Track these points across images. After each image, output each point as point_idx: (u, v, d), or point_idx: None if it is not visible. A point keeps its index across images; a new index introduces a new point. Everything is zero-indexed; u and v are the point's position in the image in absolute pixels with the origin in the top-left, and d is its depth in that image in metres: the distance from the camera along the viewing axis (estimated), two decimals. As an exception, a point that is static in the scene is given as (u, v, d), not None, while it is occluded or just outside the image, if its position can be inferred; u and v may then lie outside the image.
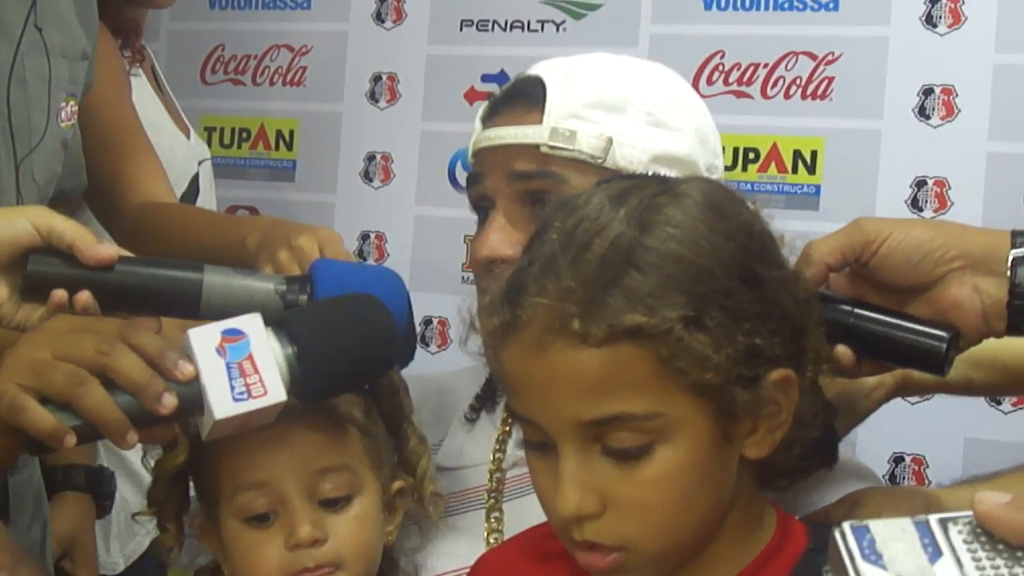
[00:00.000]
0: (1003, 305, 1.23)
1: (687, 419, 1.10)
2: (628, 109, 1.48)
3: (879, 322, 1.27)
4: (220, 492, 1.34)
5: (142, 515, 1.42)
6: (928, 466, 2.62)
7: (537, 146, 1.46)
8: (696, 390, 1.09)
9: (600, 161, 1.45)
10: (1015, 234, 1.25)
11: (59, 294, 1.26)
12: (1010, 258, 1.23)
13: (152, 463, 1.39)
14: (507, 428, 1.55)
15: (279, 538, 1.31)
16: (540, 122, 1.47)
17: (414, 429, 1.43)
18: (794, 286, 1.17)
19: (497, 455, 1.54)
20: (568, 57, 1.54)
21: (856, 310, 1.27)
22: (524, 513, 1.45)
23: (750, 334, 1.10)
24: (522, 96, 1.51)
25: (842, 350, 1.25)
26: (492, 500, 1.52)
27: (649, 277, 1.08)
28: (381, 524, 1.37)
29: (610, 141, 1.45)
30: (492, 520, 1.50)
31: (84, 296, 1.25)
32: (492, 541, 1.48)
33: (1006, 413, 2.57)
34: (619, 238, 1.10)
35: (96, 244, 1.29)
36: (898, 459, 2.63)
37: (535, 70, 1.53)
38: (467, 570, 1.39)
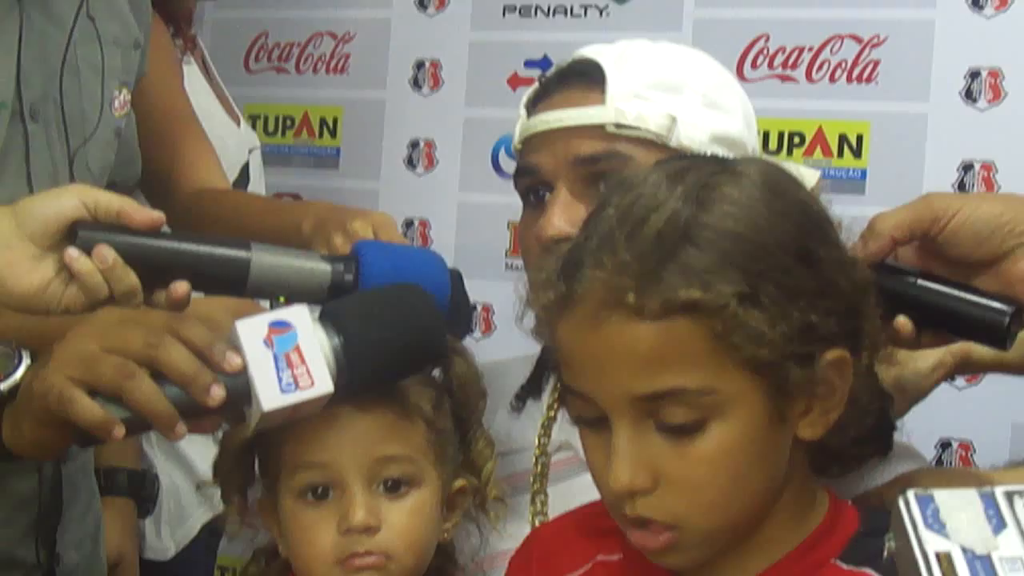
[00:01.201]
0: None
1: (741, 396, 1.10)
2: (684, 91, 1.48)
3: (943, 294, 1.26)
4: (281, 469, 1.34)
5: (206, 485, 1.43)
6: (975, 451, 2.61)
7: (602, 127, 1.45)
8: (750, 366, 1.09)
9: (665, 140, 1.45)
10: None
11: (101, 250, 1.24)
12: None
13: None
14: (552, 413, 1.55)
15: (334, 520, 1.31)
16: (603, 102, 1.46)
17: (484, 431, 1.42)
18: (851, 268, 1.16)
19: (542, 440, 1.54)
20: (612, 44, 1.54)
21: (919, 281, 1.26)
22: (568, 496, 1.45)
23: (805, 311, 1.10)
24: (578, 78, 1.50)
25: (902, 321, 1.24)
26: (537, 484, 1.52)
27: (705, 253, 1.09)
28: (437, 520, 1.37)
29: (674, 120, 1.45)
30: (537, 503, 1.51)
31: (101, 250, 1.24)
32: (536, 523, 1.49)
33: (1055, 398, 2.56)
34: (676, 214, 1.10)
35: (144, 208, 1.29)
36: (945, 444, 2.61)
37: (584, 54, 1.53)
38: (512, 551, 1.40)
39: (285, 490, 1.34)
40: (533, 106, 1.54)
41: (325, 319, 1.25)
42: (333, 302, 1.31)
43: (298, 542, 1.34)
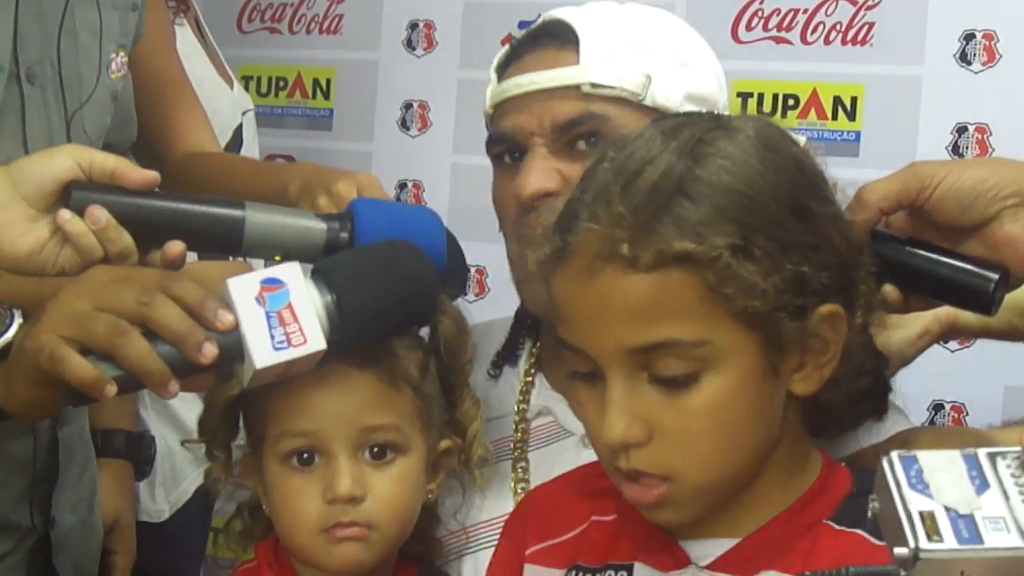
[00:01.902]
0: None
1: (735, 348, 1.10)
2: (657, 50, 1.47)
3: (930, 259, 1.27)
4: (267, 431, 1.33)
5: (191, 443, 1.42)
6: (968, 414, 2.62)
7: (577, 87, 1.43)
8: (744, 318, 1.09)
9: (640, 98, 1.44)
10: None
11: (94, 211, 1.24)
12: None
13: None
14: (530, 379, 1.55)
15: (319, 488, 1.30)
16: (577, 63, 1.44)
17: (470, 391, 1.41)
18: (844, 224, 1.17)
19: (521, 406, 1.54)
20: (577, 7, 1.52)
21: (907, 248, 1.27)
22: (549, 461, 1.46)
23: (798, 263, 1.11)
24: (550, 39, 1.48)
25: (888, 289, 1.25)
26: (518, 451, 1.52)
27: (699, 206, 1.09)
28: (422, 486, 1.36)
29: (649, 78, 1.44)
30: (519, 470, 1.50)
31: (94, 211, 1.24)
32: (519, 491, 1.48)
33: (1047, 361, 2.56)
34: (670, 167, 1.11)
35: (137, 168, 1.28)
36: (938, 407, 2.62)
37: (554, 15, 1.51)
38: (495, 519, 1.41)
39: (270, 453, 1.33)
40: (503, 69, 1.51)
41: (317, 276, 1.24)
42: (325, 259, 1.31)
43: (282, 508, 1.33)
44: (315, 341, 1.21)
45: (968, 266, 1.26)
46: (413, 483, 1.34)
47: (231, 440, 1.39)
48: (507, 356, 1.58)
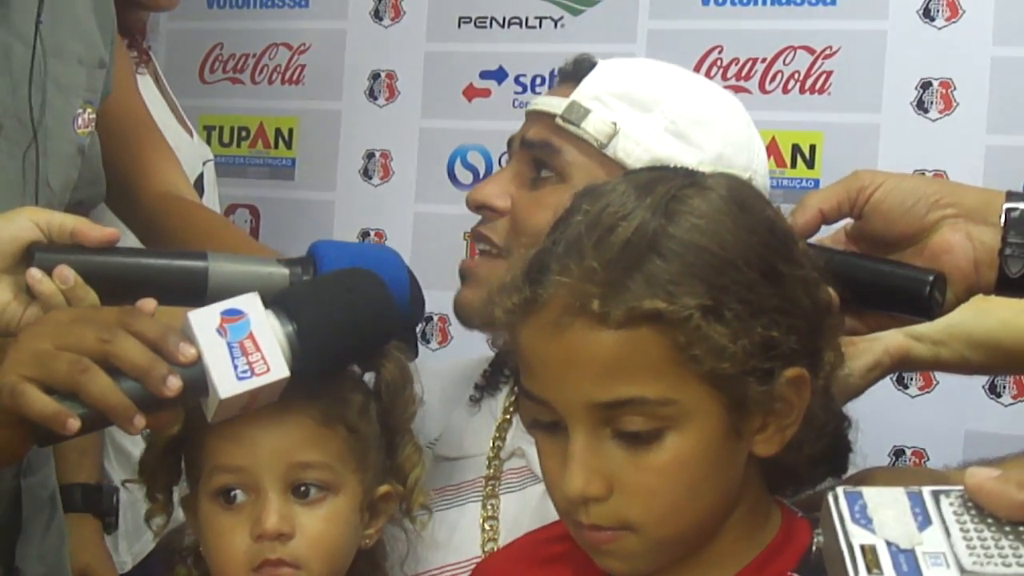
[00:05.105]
0: (995, 253, 1.25)
1: (699, 408, 1.11)
2: (654, 111, 1.50)
3: (864, 266, 1.28)
4: (201, 470, 1.34)
5: (131, 483, 1.42)
6: (929, 459, 2.63)
7: (553, 116, 1.51)
8: (710, 380, 1.10)
9: (601, 146, 1.48)
10: (1010, 193, 1.27)
11: (63, 271, 1.26)
12: (1004, 209, 1.26)
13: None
14: (508, 417, 1.56)
15: (247, 526, 1.30)
16: (568, 96, 1.52)
17: (412, 437, 1.41)
18: (814, 288, 1.18)
19: (497, 443, 1.55)
20: (642, 59, 1.59)
21: (843, 254, 1.28)
22: (517, 507, 1.48)
23: (768, 327, 1.11)
24: (574, 71, 1.58)
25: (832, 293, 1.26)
26: (489, 488, 1.52)
27: (671, 264, 1.10)
28: (355, 527, 1.36)
29: (616, 130, 1.47)
30: (488, 508, 1.51)
31: (63, 270, 1.26)
32: (487, 528, 1.49)
33: (1006, 406, 2.58)
34: (644, 224, 1.11)
35: (96, 225, 1.29)
36: (899, 452, 2.63)
37: (591, 56, 1.60)
38: (461, 563, 1.42)
39: (203, 491, 1.34)
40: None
41: (278, 306, 1.25)
42: (285, 289, 1.32)
43: (213, 546, 1.33)
44: (278, 369, 1.22)
45: (903, 268, 1.27)
46: (344, 523, 1.34)
47: (172, 483, 1.39)
48: (487, 386, 1.60)
